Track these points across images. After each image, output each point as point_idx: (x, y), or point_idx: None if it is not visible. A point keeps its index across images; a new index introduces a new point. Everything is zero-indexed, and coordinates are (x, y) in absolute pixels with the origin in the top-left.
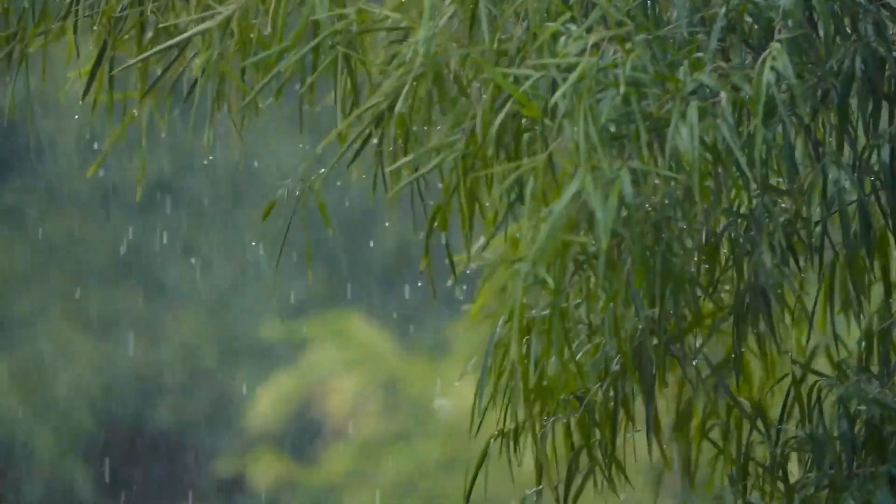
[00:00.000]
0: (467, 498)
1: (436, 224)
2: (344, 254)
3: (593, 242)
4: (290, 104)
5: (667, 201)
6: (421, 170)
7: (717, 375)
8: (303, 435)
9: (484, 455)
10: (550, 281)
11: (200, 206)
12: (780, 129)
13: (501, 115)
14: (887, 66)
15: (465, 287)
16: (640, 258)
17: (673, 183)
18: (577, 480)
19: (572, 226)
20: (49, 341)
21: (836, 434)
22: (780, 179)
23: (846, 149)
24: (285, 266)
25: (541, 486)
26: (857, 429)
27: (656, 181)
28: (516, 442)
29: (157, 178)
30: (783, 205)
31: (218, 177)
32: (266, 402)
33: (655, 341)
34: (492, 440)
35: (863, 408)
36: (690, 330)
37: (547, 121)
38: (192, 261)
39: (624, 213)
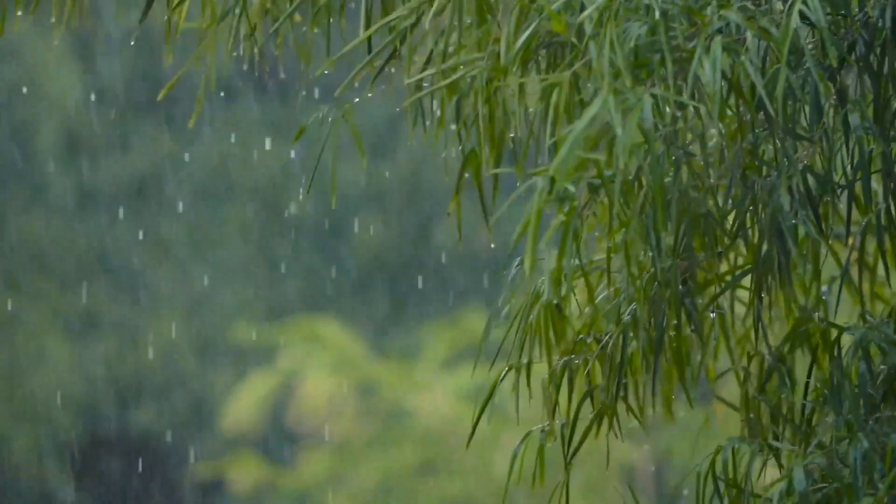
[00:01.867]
0: (473, 430)
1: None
2: (321, 258)
3: (610, 169)
4: (271, 105)
5: (688, 136)
6: (444, 81)
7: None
8: (280, 438)
9: (493, 390)
10: (571, 188)
11: (178, 207)
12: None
13: (527, 33)
14: None
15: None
16: (657, 184)
17: (693, 119)
18: (584, 425)
19: (591, 146)
20: (26, 343)
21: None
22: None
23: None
24: (262, 270)
25: (547, 424)
26: (877, 374)
27: (677, 113)
28: (528, 377)
29: (134, 180)
30: (805, 152)
31: (196, 178)
32: (243, 406)
33: (669, 292)
34: (502, 374)
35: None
36: (709, 286)
37: (574, 39)
38: (170, 263)
39: (642, 140)
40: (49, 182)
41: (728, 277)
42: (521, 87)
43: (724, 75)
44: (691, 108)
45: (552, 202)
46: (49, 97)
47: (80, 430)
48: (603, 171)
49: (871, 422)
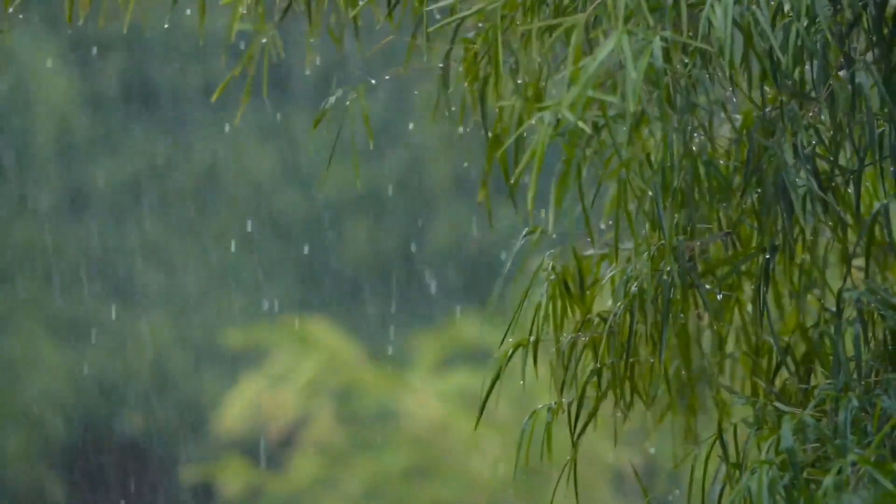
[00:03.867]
0: (481, 411)
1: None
2: (313, 261)
3: (615, 108)
4: (260, 112)
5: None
6: (465, 12)
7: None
8: (270, 442)
9: (501, 367)
10: (583, 125)
11: (170, 210)
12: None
13: None
14: None
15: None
16: (664, 120)
17: (701, 65)
18: (590, 403)
19: (598, 86)
20: (17, 347)
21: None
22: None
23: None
24: (255, 273)
25: (554, 402)
26: (876, 336)
27: (686, 60)
28: (535, 354)
29: (127, 183)
30: (811, 110)
31: (187, 182)
32: (234, 409)
33: (678, 267)
34: (510, 352)
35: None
36: (717, 267)
37: None
38: (161, 266)
39: (652, 83)
40: (39, 184)
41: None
42: (530, 31)
43: (735, 23)
44: (699, 58)
45: (557, 137)
46: (40, 99)
47: (70, 434)
48: (608, 110)
49: (862, 383)
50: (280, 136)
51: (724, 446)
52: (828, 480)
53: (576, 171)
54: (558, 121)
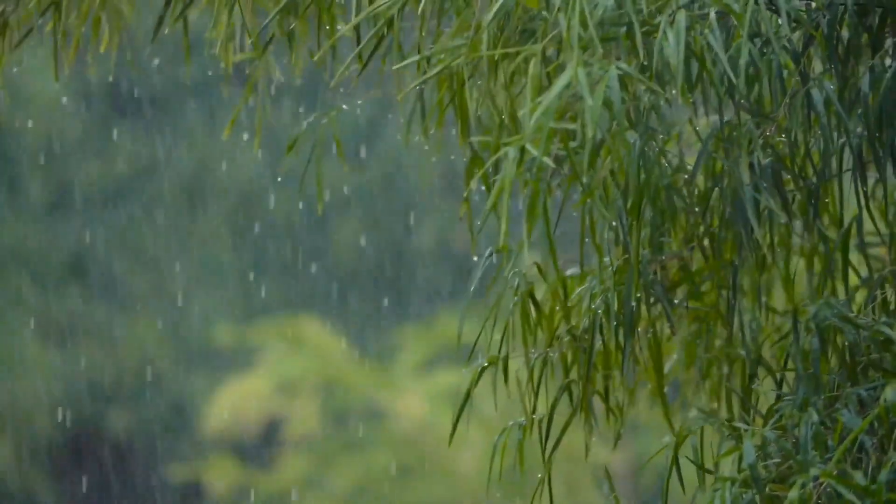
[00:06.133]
0: (454, 428)
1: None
2: (300, 259)
3: (575, 140)
4: (251, 111)
5: (652, 111)
6: (428, 73)
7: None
8: (257, 440)
9: (473, 384)
10: (548, 161)
11: (157, 209)
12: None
13: (498, 5)
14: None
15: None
16: (622, 153)
17: (657, 93)
18: (561, 418)
19: (559, 118)
20: (4, 346)
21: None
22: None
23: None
24: (241, 272)
25: (523, 420)
26: (836, 351)
27: (642, 87)
28: (506, 371)
29: (113, 182)
30: (769, 129)
31: (175, 181)
32: (221, 408)
33: (643, 282)
34: (481, 370)
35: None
36: (683, 282)
37: (545, 12)
38: (149, 265)
39: (608, 114)
40: (27, 184)
41: (704, 273)
42: (496, 66)
43: (689, 49)
44: (656, 82)
45: (523, 171)
46: (30, 98)
47: (58, 433)
48: (568, 141)
49: (822, 398)
50: (270, 135)
51: (676, 462)
52: (792, 494)
53: (542, 203)
54: (522, 154)
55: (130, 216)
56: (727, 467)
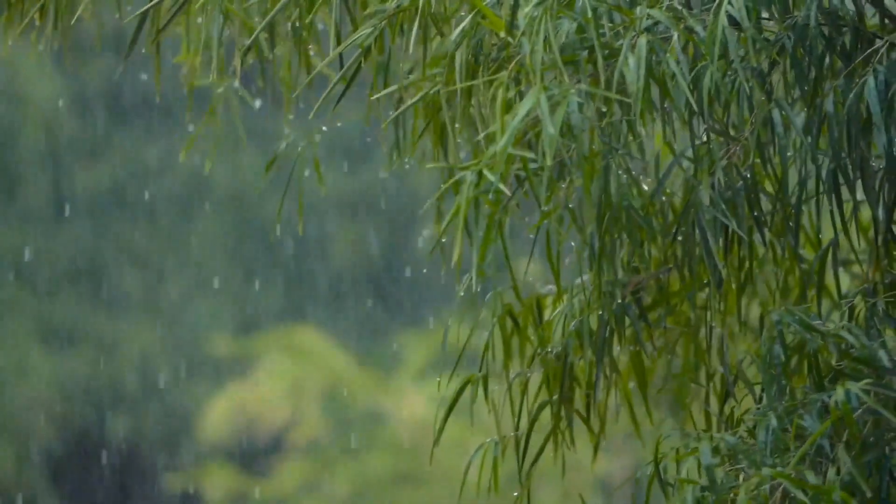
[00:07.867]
0: (437, 439)
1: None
2: (298, 268)
3: (535, 161)
4: (249, 115)
5: (611, 132)
6: (406, 103)
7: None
8: (255, 448)
9: (454, 401)
10: (503, 187)
11: (156, 216)
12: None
13: (459, 29)
14: (842, 20)
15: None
16: (585, 175)
17: (618, 115)
18: (539, 435)
19: (518, 141)
20: (5, 354)
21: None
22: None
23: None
24: (239, 279)
25: (503, 436)
26: (805, 358)
27: (603, 108)
28: (486, 390)
29: (111, 188)
30: (733, 150)
31: (173, 188)
32: (220, 416)
33: (615, 304)
34: (463, 387)
35: (808, 338)
36: (659, 304)
37: (510, 38)
38: (147, 273)
39: (569, 135)
40: (26, 190)
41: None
42: (469, 93)
43: (651, 72)
44: (617, 106)
45: (480, 194)
46: (27, 103)
47: (58, 441)
48: (528, 165)
49: (784, 403)
50: (268, 143)
51: (659, 475)
52: (741, 497)
53: (497, 227)
54: (480, 179)
55: (131, 222)
56: (685, 472)
